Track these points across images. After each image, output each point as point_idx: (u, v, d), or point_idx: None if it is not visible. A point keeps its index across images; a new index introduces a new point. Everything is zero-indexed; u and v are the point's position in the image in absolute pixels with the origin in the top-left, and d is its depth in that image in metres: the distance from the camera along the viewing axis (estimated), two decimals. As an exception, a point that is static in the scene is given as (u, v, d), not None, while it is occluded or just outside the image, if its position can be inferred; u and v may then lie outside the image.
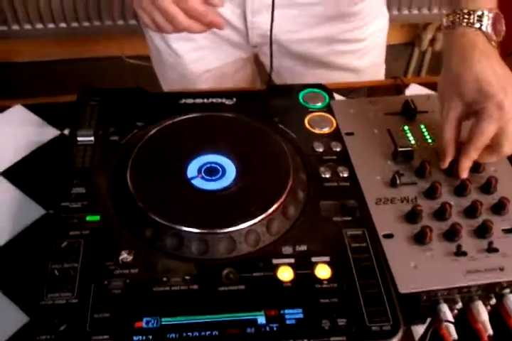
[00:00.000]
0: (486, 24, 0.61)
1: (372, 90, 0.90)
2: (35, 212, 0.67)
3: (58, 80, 1.80)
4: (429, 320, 0.59)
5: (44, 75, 1.83)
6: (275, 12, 0.82)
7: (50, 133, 0.78)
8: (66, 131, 0.77)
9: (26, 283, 0.52)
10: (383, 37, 1.02)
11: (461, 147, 0.62)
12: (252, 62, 1.06)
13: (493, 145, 0.60)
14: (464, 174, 0.62)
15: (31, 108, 0.81)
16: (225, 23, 0.73)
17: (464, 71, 0.60)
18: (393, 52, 1.07)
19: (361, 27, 0.94)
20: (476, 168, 0.63)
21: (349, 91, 0.84)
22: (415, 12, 1.82)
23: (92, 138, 0.63)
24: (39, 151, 0.75)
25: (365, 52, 0.99)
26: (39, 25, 1.74)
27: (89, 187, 0.58)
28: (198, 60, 0.96)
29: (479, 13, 0.61)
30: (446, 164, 0.63)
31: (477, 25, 0.61)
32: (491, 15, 0.61)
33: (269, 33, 0.85)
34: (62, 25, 1.74)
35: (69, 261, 0.52)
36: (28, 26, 1.73)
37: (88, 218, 0.55)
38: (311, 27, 0.91)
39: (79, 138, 0.63)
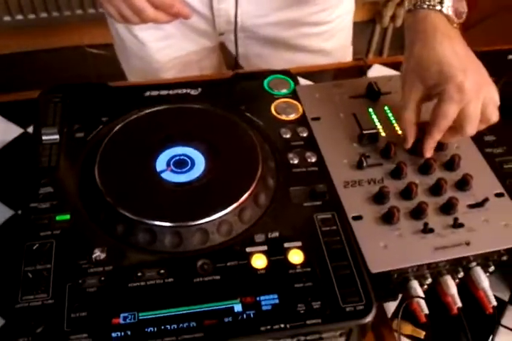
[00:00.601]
0: (447, 6, 0.62)
1: (337, 72, 0.90)
2: (3, 213, 0.66)
3: (19, 73, 1.77)
4: (400, 296, 0.61)
5: (3, 68, 1.80)
6: None
7: (14, 131, 0.77)
8: (30, 129, 0.76)
9: (0, 287, 0.52)
10: (350, 19, 1.02)
11: (424, 128, 0.63)
12: (218, 50, 1.06)
13: (456, 127, 0.61)
14: (429, 154, 0.63)
15: (-8, 107, 0.80)
16: (192, 11, 0.73)
17: (426, 54, 0.60)
18: (355, 30, 1.07)
19: (327, 9, 0.94)
20: (440, 146, 0.64)
21: (315, 74, 0.85)
22: (376, -11, 1.84)
23: (57, 137, 0.63)
24: (3, 151, 0.75)
25: (331, 34, 0.99)
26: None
27: (57, 186, 0.58)
28: (163, 48, 0.96)
29: None
30: (409, 145, 0.64)
31: (438, 7, 0.62)
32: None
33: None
34: (19, 17, 1.70)
35: (41, 263, 0.51)
36: (-17, 19, 1.69)
37: (58, 218, 0.55)
38: (277, 11, 0.91)
39: (43, 137, 0.62)
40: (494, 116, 0.61)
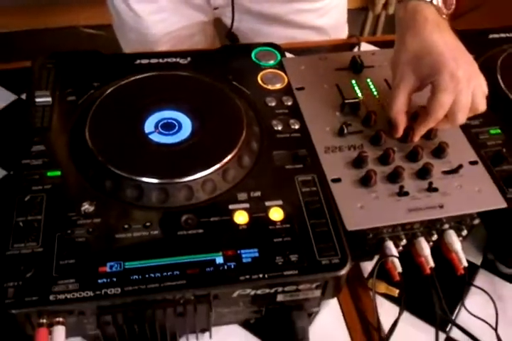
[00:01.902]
0: None
1: (330, 49, 0.93)
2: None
3: (13, 53, 1.77)
4: (376, 258, 0.64)
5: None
6: None
7: (8, 98, 0.79)
8: (24, 96, 0.78)
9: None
10: None
11: (418, 117, 0.64)
12: (212, 25, 1.08)
13: (448, 115, 0.61)
14: (416, 140, 0.65)
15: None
16: None
17: (418, 45, 0.61)
18: (347, 17, 1.10)
19: None
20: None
21: (306, 50, 0.87)
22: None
23: (49, 99, 0.65)
24: (-1, 116, 0.77)
25: (326, 11, 1.01)
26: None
27: (48, 144, 0.60)
28: (158, 22, 0.98)
29: None
30: (399, 134, 0.65)
31: None
32: None
33: None
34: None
35: (32, 214, 0.54)
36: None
37: (49, 174, 0.58)
38: None
39: (36, 99, 0.64)
40: (482, 105, 0.62)
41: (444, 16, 0.64)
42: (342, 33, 1.08)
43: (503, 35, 0.83)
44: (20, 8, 1.80)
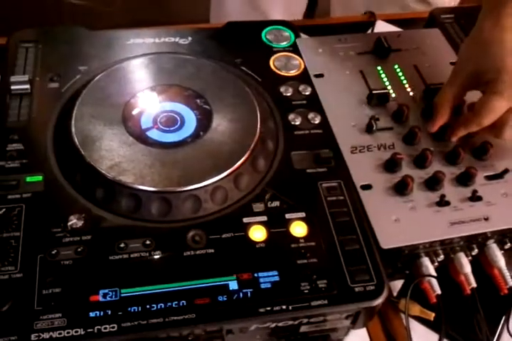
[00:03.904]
0: None
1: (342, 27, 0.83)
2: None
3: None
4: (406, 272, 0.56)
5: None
6: None
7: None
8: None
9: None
10: None
11: (462, 116, 0.55)
12: None
13: (494, 125, 0.53)
14: (455, 140, 0.56)
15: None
16: None
17: (493, 35, 0.52)
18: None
19: None
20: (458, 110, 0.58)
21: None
22: None
23: (27, 86, 0.55)
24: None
25: None
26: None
27: (27, 143, 0.51)
28: None
29: None
30: (435, 128, 0.56)
31: None
32: None
33: None
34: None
35: (9, 230, 0.45)
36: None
37: (29, 179, 0.48)
38: None
39: (12, 87, 0.55)
40: None
41: None
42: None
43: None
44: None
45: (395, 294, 0.57)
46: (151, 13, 1.58)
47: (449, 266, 0.55)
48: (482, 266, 0.56)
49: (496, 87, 0.50)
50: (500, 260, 0.54)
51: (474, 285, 0.53)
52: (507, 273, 0.54)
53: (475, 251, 0.55)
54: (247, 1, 0.93)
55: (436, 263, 0.54)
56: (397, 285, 0.57)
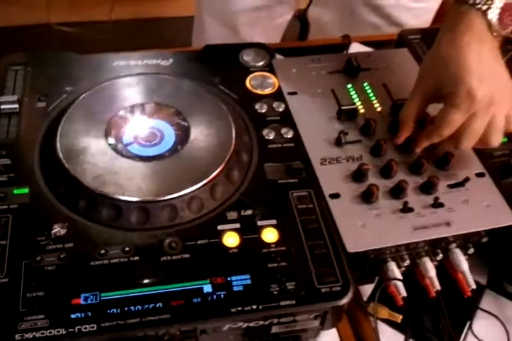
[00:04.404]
0: (493, 10, 0.55)
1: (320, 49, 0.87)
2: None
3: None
4: (376, 279, 0.59)
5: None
6: None
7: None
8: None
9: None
10: (439, 3, 0.99)
11: (425, 129, 0.59)
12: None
13: (453, 136, 0.56)
14: (419, 151, 0.59)
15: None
16: None
17: (449, 52, 0.55)
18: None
19: None
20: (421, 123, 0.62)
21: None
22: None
23: (16, 106, 0.58)
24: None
25: (425, 12, 0.98)
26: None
27: (15, 158, 0.54)
28: None
29: None
30: (400, 141, 0.60)
31: (484, 7, 0.55)
32: (502, 0, 0.55)
33: None
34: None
35: (-4, 238, 0.48)
36: None
37: (16, 191, 0.51)
38: None
39: (2, 106, 0.58)
40: (494, 141, 0.56)
41: (495, 34, 0.56)
42: None
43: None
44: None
45: (365, 299, 0.59)
46: (141, 39, 1.63)
47: (415, 271, 0.58)
48: (447, 270, 0.59)
49: (453, 101, 0.54)
50: (464, 264, 0.57)
51: (439, 288, 0.55)
52: (470, 277, 0.56)
53: (440, 256, 0.58)
54: (226, 26, 0.98)
55: (402, 268, 0.57)
56: (368, 290, 0.60)
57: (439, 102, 0.57)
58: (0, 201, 0.50)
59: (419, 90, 0.58)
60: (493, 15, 0.54)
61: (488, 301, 0.61)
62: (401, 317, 0.56)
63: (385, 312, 0.57)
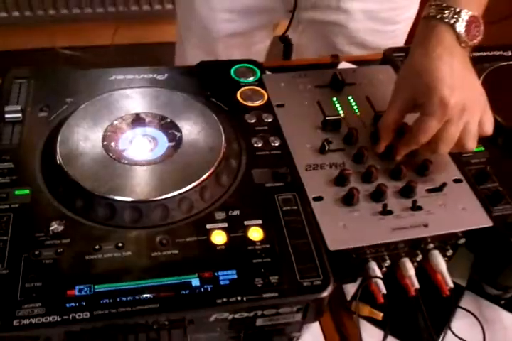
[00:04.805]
0: (460, 23, 0.59)
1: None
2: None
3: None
4: (360, 280, 0.62)
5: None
6: None
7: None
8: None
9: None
10: (410, 25, 1.04)
11: (402, 135, 0.63)
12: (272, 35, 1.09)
13: (430, 142, 0.59)
14: (399, 159, 0.63)
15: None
16: None
17: (422, 64, 0.59)
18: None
19: (399, 9, 0.97)
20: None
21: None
22: None
23: (19, 115, 0.62)
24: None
25: (394, 35, 1.02)
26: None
27: (18, 162, 0.58)
28: (227, 21, 0.98)
29: (457, 10, 0.59)
30: (381, 149, 0.63)
31: (451, 21, 0.59)
32: (469, 14, 0.59)
33: None
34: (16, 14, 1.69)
35: (-3, 234, 0.51)
36: None
37: (17, 192, 0.55)
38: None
39: (6, 115, 0.62)
40: (470, 144, 0.60)
41: (464, 45, 0.60)
42: None
43: (483, 53, 0.82)
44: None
45: (348, 298, 0.62)
46: (141, 63, 1.68)
47: (396, 272, 0.60)
48: (427, 272, 0.61)
49: (428, 109, 0.58)
50: (442, 264, 0.60)
51: (417, 286, 0.58)
52: (448, 276, 0.59)
53: (419, 257, 0.61)
54: (206, 53, 1.02)
55: (384, 269, 0.60)
56: (351, 290, 0.62)
57: (415, 112, 0.61)
58: (2, 201, 0.54)
59: (396, 101, 0.62)
60: (460, 28, 0.59)
61: (467, 302, 0.63)
62: (382, 314, 0.59)
63: (366, 310, 0.59)
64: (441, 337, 0.60)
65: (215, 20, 0.98)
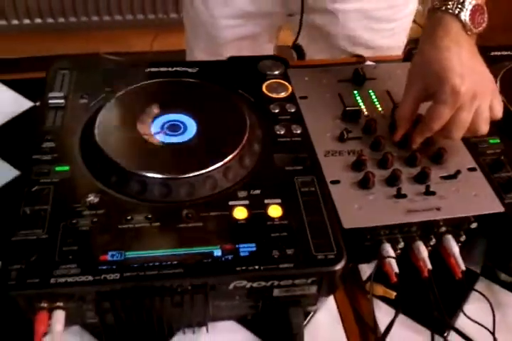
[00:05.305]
0: (465, 13, 0.62)
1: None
2: (8, 173, 0.71)
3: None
4: (375, 263, 0.65)
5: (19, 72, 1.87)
6: None
7: (25, 105, 0.83)
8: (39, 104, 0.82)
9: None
10: (410, 21, 1.07)
11: (417, 124, 0.66)
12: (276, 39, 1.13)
13: (444, 129, 0.63)
14: (415, 147, 0.66)
15: (7, 83, 0.86)
16: None
17: (432, 56, 0.62)
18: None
19: (395, 7, 1.01)
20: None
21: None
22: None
23: (62, 101, 0.68)
24: (14, 121, 0.80)
25: (392, 33, 1.05)
26: (27, 21, 1.77)
27: (59, 142, 0.63)
28: (231, 27, 1.03)
29: (460, 0, 0.62)
30: (397, 138, 0.67)
31: (456, 11, 0.62)
32: (473, 3, 0.62)
33: None
34: (38, 20, 1.78)
35: (40, 204, 0.56)
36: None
37: (58, 168, 0.60)
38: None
39: (50, 101, 0.67)
40: (483, 128, 0.63)
41: (470, 33, 0.63)
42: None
43: (504, 52, 0.85)
44: (41, 33, 1.87)
45: (364, 279, 0.65)
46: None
47: (410, 254, 0.63)
48: (442, 257, 0.64)
49: (439, 97, 0.61)
50: (455, 248, 0.62)
51: (430, 267, 0.61)
52: (460, 260, 0.62)
53: (433, 241, 0.63)
54: (214, 56, 1.05)
55: (398, 251, 0.63)
56: (367, 272, 0.65)
57: (428, 100, 0.64)
58: (44, 175, 0.59)
59: (409, 92, 0.66)
60: (465, 17, 0.62)
61: (481, 288, 0.65)
62: (395, 293, 0.61)
63: (380, 289, 0.62)
64: (454, 319, 0.62)
65: (218, 27, 1.03)
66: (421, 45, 0.65)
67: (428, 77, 0.63)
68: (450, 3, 0.62)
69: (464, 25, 0.62)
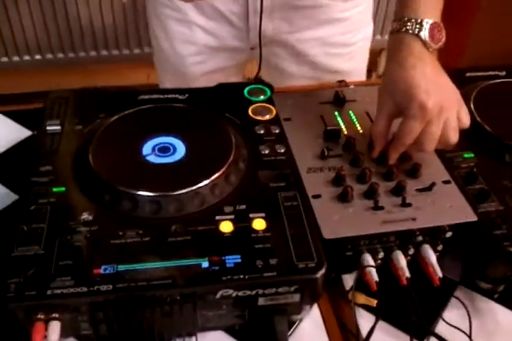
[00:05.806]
0: (424, 31, 0.67)
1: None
2: (7, 198, 0.75)
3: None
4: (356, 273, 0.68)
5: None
6: (275, 14, 0.97)
7: (25, 133, 0.87)
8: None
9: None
10: (368, 45, 1.14)
11: (391, 141, 0.70)
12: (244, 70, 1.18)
13: (416, 142, 0.67)
14: (392, 162, 0.70)
15: (7, 114, 0.91)
16: (227, 23, 0.91)
17: (398, 74, 0.67)
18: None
19: (351, 32, 1.07)
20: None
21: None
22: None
23: (59, 127, 0.72)
24: (14, 149, 0.84)
25: (351, 56, 1.10)
26: (27, 57, 1.84)
27: (55, 165, 0.67)
28: (197, 63, 1.08)
29: (418, 20, 0.67)
30: (375, 155, 0.71)
31: (416, 31, 0.67)
32: (430, 22, 0.67)
33: (267, 33, 1.00)
34: (37, 56, 1.85)
35: (37, 222, 0.59)
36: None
37: (55, 189, 0.64)
38: (307, 28, 1.03)
39: (47, 128, 0.72)
40: (452, 138, 0.67)
41: (431, 49, 0.68)
42: (361, 77, 1.16)
43: (479, 73, 0.89)
44: (39, 69, 1.94)
45: (347, 289, 0.68)
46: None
47: (389, 264, 0.66)
48: (421, 267, 0.67)
49: (409, 113, 0.65)
50: (432, 257, 0.65)
51: (408, 275, 0.64)
52: (438, 268, 0.64)
53: (411, 251, 0.66)
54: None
55: (378, 261, 0.66)
56: (350, 282, 0.68)
57: (400, 117, 0.68)
58: (42, 196, 0.63)
59: (381, 109, 0.70)
60: (425, 35, 0.67)
61: (461, 296, 0.68)
62: (376, 301, 0.64)
63: (362, 298, 0.65)
64: (434, 326, 0.64)
65: (185, 65, 1.08)
66: (387, 65, 0.70)
67: (397, 95, 0.67)
68: (409, 24, 0.68)
69: (424, 43, 0.68)
